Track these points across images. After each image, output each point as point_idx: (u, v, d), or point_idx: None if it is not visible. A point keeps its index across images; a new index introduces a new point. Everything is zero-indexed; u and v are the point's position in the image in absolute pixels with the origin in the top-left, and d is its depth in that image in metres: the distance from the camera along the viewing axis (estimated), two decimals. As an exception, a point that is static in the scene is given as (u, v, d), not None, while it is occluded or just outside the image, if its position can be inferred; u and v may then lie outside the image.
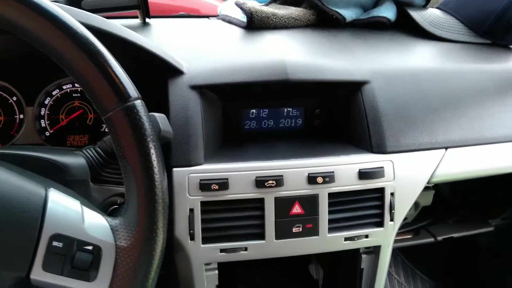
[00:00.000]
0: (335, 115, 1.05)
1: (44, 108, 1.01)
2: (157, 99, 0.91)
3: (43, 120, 1.02)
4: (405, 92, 0.99)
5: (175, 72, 0.90)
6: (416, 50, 1.17)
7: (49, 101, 1.01)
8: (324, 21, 1.24)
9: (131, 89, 0.55)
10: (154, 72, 0.92)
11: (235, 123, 1.07)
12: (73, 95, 1.09)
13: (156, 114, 0.74)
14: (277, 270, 1.33)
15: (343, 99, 1.01)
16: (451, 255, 1.66)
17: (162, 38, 1.09)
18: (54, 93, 1.02)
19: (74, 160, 0.72)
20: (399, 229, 0.94)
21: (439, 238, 1.41)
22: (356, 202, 0.91)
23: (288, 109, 1.09)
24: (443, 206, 1.41)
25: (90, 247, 0.52)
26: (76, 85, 1.09)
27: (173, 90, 0.92)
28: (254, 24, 1.15)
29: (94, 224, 0.55)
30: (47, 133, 1.03)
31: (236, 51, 1.08)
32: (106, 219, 0.56)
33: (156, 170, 0.55)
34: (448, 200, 1.39)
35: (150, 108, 0.60)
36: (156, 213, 0.58)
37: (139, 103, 0.58)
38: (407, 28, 1.26)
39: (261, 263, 0.96)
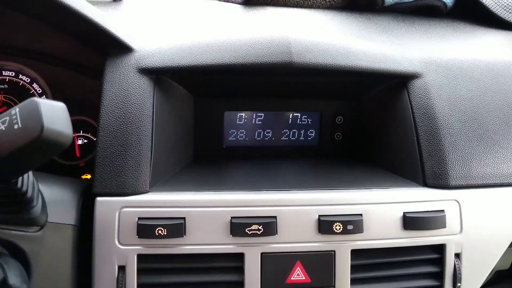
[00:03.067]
0: (366, 125, 0.82)
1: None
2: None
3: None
4: (477, 92, 0.72)
5: (118, 47, 0.66)
6: (487, 40, 0.93)
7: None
8: (354, 4, 1.01)
9: None
10: (99, 49, 0.69)
11: (214, 131, 0.80)
12: None
13: (39, 101, 0.44)
14: None
15: (379, 100, 0.78)
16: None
17: (129, 14, 0.88)
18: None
19: None
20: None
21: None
22: (397, 266, 0.65)
23: (296, 114, 0.81)
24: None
25: None
26: (5, 73, 0.88)
27: (111, 74, 0.64)
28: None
29: None
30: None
31: (221, 29, 0.78)
32: None
33: None
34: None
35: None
36: None
37: None
38: (471, 15, 1.03)
39: None
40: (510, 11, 1.02)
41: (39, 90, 0.85)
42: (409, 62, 0.72)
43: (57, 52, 0.83)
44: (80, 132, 0.85)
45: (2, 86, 0.85)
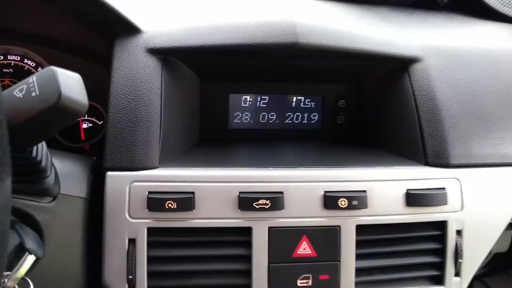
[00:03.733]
0: (368, 108, 0.82)
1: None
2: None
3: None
4: (475, 77, 0.73)
5: (127, 29, 0.66)
6: (484, 30, 0.93)
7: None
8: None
9: None
10: (105, 34, 0.69)
11: (220, 113, 0.80)
12: (4, 70, 0.86)
13: (56, 69, 0.45)
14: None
15: (380, 84, 0.78)
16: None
17: None
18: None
19: None
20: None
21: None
22: (401, 242, 0.65)
23: (299, 97, 0.81)
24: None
25: None
26: (10, 57, 0.87)
27: (120, 54, 0.64)
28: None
29: None
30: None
31: (229, 12, 0.77)
32: None
33: None
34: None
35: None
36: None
37: None
38: (467, 8, 1.03)
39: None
40: (506, 4, 1.03)
41: (44, 75, 0.85)
42: (410, 47, 0.73)
43: (63, 37, 0.83)
44: (85, 116, 0.86)
45: (7, 70, 0.85)
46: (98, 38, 0.75)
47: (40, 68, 0.86)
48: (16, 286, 0.47)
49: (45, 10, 0.73)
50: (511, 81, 0.74)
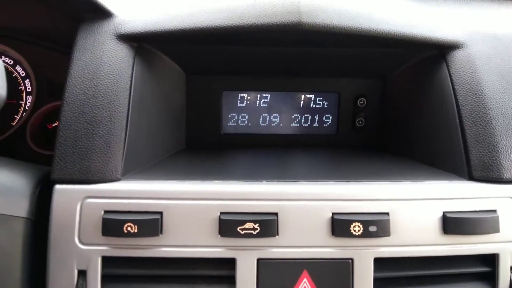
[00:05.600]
0: (395, 108, 0.71)
1: None
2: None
3: None
4: None
5: (95, 11, 0.57)
6: None
7: None
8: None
9: None
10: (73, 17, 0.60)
11: (211, 114, 0.70)
12: None
13: None
14: None
15: (409, 78, 0.67)
16: None
17: None
18: None
19: None
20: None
21: None
22: (435, 282, 0.53)
23: (309, 95, 0.71)
24: None
25: None
26: None
27: (84, 41, 0.56)
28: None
29: None
30: None
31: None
32: None
33: None
34: None
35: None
36: None
37: None
38: None
39: None
40: None
41: (22, 73, 0.78)
42: (450, 30, 0.60)
43: (39, 31, 0.77)
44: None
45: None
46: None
47: (18, 66, 0.79)
48: None
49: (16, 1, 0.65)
50: None
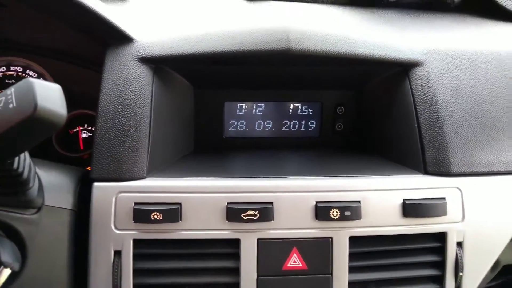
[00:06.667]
0: (367, 115, 0.80)
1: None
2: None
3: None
4: (480, 80, 0.70)
5: (119, 38, 0.66)
6: (493, 32, 0.88)
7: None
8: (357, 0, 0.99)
9: None
10: (101, 42, 0.69)
11: (214, 122, 0.79)
12: (6, 81, 0.87)
13: (33, 81, 0.44)
14: None
15: (380, 90, 0.76)
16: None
17: (133, 11, 0.86)
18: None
19: None
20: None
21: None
22: (397, 255, 0.63)
23: (297, 104, 0.80)
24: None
25: None
26: (12, 68, 0.88)
27: (111, 63, 0.64)
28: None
29: None
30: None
31: (220, 20, 0.79)
32: None
33: None
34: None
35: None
36: None
37: None
38: (478, 9, 0.99)
39: None
40: (518, 3, 0.99)
41: (45, 85, 0.86)
42: (411, 50, 0.70)
43: (63, 47, 0.84)
44: (84, 126, 0.86)
45: (10, 81, 0.86)
46: (96, 48, 0.75)
47: (41, 78, 0.87)
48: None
49: (43, 20, 0.74)
50: (520, 86, 0.70)
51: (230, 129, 0.78)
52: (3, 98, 0.44)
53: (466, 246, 0.62)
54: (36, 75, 0.86)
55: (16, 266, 0.49)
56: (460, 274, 0.61)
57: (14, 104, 0.43)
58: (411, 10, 1.00)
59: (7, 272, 0.47)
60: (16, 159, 0.48)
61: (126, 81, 0.62)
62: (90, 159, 0.84)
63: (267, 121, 0.79)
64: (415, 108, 0.67)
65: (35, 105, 0.42)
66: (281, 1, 0.94)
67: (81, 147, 0.85)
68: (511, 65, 0.73)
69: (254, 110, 0.78)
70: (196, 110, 0.77)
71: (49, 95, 0.45)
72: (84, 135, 0.86)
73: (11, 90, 0.44)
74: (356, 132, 0.82)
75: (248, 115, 0.78)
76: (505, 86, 0.70)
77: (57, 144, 0.83)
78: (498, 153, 0.65)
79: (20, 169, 0.49)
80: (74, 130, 0.86)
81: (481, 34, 0.86)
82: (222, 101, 0.77)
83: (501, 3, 0.97)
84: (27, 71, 0.87)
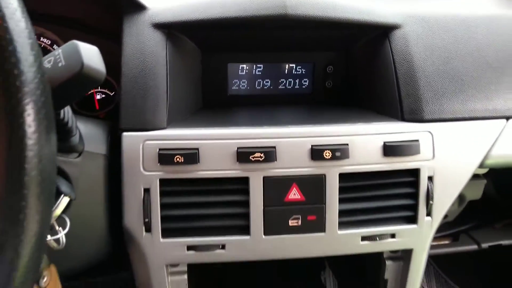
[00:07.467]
0: (354, 73, 0.87)
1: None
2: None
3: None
4: (450, 41, 0.78)
5: (133, 6, 0.72)
6: None
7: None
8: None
9: None
10: (114, 12, 0.75)
11: (219, 81, 0.86)
12: None
13: (78, 43, 0.51)
14: (278, 277, 1.05)
15: (364, 50, 0.83)
16: (497, 267, 1.35)
17: None
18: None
19: None
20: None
21: (484, 246, 1.15)
22: (378, 188, 0.71)
23: (291, 65, 0.86)
24: (490, 206, 1.16)
25: None
26: None
27: (129, 30, 0.70)
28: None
29: None
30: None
31: None
32: None
33: (27, 122, 0.34)
34: (496, 199, 1.16)
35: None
36: (23, 186, 0.34)
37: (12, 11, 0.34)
38: None
39: (255, 266, 0.76)
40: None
41: (60, 51, 0.93)
42: (391, 14, 0.77)
43: (76, 17, 0.89)
44: (98, 88, 0.94)
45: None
46: (108, 17, 0.81)
47: (55, 45, 0.93)
48: (55, 222, 0.56)
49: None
50: (484, 44, 0.78)
51: (233, 87, 0.86)
52: (52, 58, 0.51)
53: (435, 179, 0.71)
54: (49, 42, 0.92)
55: (73, 195, 0.58)
56: (431, 202, 0.70)
57: (63, 63, 0.50)
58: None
59: (66, 200, 0.56)
60: (62, 110, 0.56)
61: (143, 45, 0.69)
62: (105, 118, 0.93)
63: (266, 80, 0.86)
64: (394, 66, 0.74)
65: (82, 63, 0.50)
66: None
67: (97, 107, 0.93)
68: (478, 27, 0.80)
69: (254, 70, 0.85)
70: (203, 71, 0.84)
71: (92, 55, 0.53)
72: (98, 97, 0.94)
73: (58, 51, 0.50)
74: (344, 88, 0.90)
75: (249, 75, 0.85)
76: (471, 46, 0.78)
77: (75, 104, 0.91)
78: (464, 102, 0.74)
79: (66, 119, 0.57)
80: (89, 92, 0.94)
81: (453, 1, 0.95)
82: (226, 62, 0.85)
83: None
84: (41, 39, 0.92)
